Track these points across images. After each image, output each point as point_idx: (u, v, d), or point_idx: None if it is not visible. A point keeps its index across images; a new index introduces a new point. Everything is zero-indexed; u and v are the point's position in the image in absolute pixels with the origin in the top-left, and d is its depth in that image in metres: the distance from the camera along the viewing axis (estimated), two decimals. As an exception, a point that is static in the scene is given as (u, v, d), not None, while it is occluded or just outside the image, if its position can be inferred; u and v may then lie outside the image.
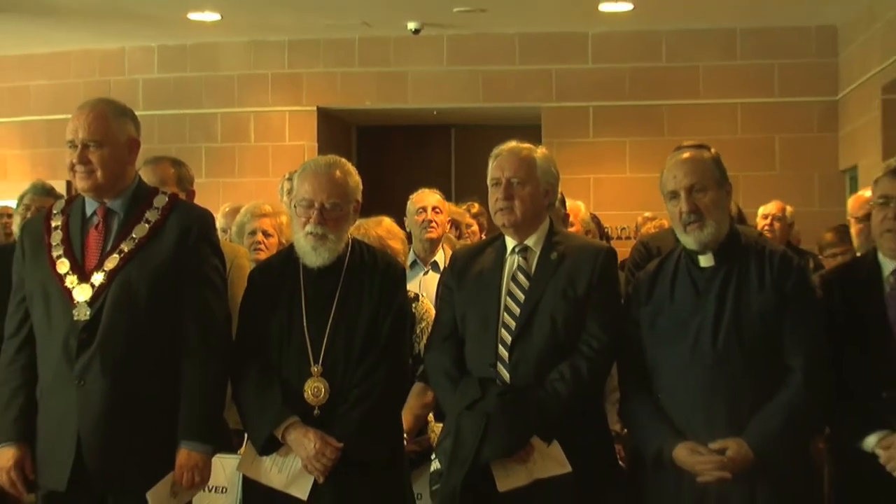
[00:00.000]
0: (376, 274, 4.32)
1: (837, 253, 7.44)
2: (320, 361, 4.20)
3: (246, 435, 4.39)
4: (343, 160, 4.41)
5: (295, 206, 4.36)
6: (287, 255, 4.43)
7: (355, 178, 4.38)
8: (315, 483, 4.14)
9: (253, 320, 4.33)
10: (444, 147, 14.54)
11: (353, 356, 4.20)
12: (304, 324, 4.25)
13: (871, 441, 4.00)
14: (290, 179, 7.87)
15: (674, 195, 4.12)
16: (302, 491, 4.16)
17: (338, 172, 4.32)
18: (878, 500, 4.02)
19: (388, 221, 5.37)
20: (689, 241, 4.11)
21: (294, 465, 4.16)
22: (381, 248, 4.76)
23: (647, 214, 10.48)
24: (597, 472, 4.19)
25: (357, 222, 4.69)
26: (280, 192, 7.98)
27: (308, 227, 4.25)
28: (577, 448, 4.11)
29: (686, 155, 4.21)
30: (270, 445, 4.18)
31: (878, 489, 3.99)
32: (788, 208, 8.94)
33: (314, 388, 4.18)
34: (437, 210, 6.90)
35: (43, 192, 6.23)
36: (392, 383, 4.27)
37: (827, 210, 11.54)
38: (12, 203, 6.65)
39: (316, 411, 4.17)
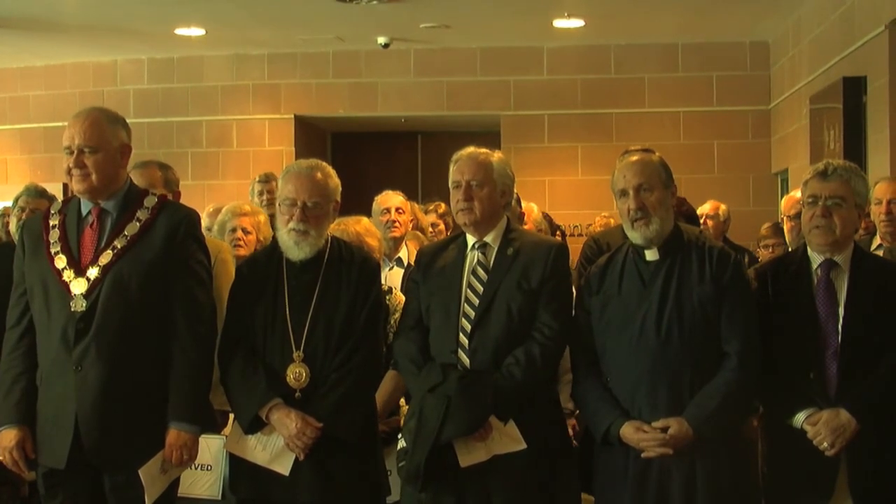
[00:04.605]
0: (353, 268, 4.34)
1: (771, 245, 7.62)
2: (301, 348, 4.22)
3: (232, 415, 4.39)
4: (324, 163, 4.43)
5: (279, 205, 4.37)
6: (271, 250, 4.43)
7: (335, 180, 4.39)
8: (296, 460, 4.16)
9: (240, 310, 4.33)
10: (412, 152, 14.56)
11: (332, 343, 4.22)
12: (287, 313, 4.26)
13: (799, 418, 4.04)
14: (260, 182, 7.90)
15: (623, 193, 4.15)
16: (284, 467, 4.17)
17: (319, 174, 4.34)
18: (806, 471, 4.07)
19: (366, 220, 5.38)
20: (635, 236, 4.14)
21: (277, 443, 4.18)
22: (358, 244, 4.77)
23: (604, 213, 10.52)
24: (550, 448, 4.22)
25: (337, 220, 4.70)
26: (251, 194, 7.98)
27: (291, 224, 4.26)
28: (532, 426, 4.13)
29: (635, 157, 4.23)
30: (255, 425, 4.19)
31: (806, 462, 4.04)
32: (722, 207, 8.97)
33: (296, 373, 4.19)
34: (400, 210, 6.88)
35: (36, 193, 6.23)
36: (367, 368, 4.29)
37: (761, 209, 11.64)
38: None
39: (297, 394, 4.18)
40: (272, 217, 6.24)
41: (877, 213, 5.76)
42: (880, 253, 5.41)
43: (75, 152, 4.04)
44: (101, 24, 11.50)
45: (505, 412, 4.10)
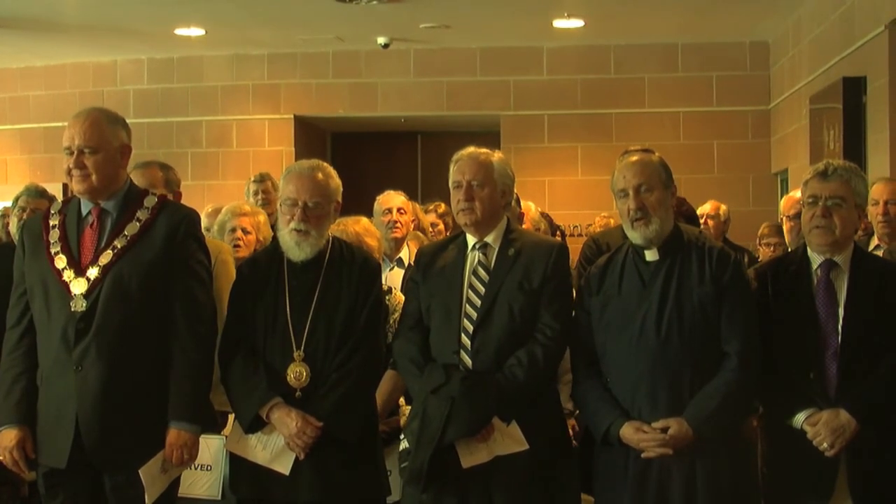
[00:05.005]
0: (354, 268, 4.34)
1: (773, 243, 7.65)
2: (302, 347, 4.23)
3: (232, 415, 4.40)
4: (325, 164, 4.44)
5: (280, 205, 4.38)
6: (272, 250, 4.44)
7: (336, 181, 4.40)
8: (296, 459, 4.17)
9: (241, 310, 4.34)
10: (412, 152, 14.56)
11: (332, 343, 4.23)
12: (288, 313, 4.26)
13: (799, 418, 4.05)
14: (254, 182, 7.92)
15: (623, 193, 4.15)
16: (284, 466, 4.18)
17: (320, 175, 4.35)
18: (806, 471, 4.07)
19: (365, 220, 5.38)
20: (635, 236, 4.14)
21: (277, 443, 4.19)
22: (358, 244, 4.78)
23: (604, 214, 10.52)
24: (551, 448, 4.22)
25: (337, 220, 4.71)
26: (246, 194, 7.99)
27: (292, 224, 4.27)
28: (533, 427, 4.14)
29: (635, 157, 4.23)
30: (256, 424, 4.20)
31: (806, 462, 4.05)
32: (722, 207, 8.96)
33: (296, 372, 4.20)
34: (402, 211, 6.88)
35: (36, 193, 6.24)
36: (368, 368, 4.30)
37: (761, 209, 11.63)
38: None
39: (298, 393, 4.19)
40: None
41: (873, 213, 5.77)
42: (879, 253, 5.41)
43: (75, 153, 4.04)
44: (101, 24, 11.50)
45: (507, 413, 4.11)
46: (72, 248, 4.08)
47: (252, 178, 8.03)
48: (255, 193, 7.88)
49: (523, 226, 6.00)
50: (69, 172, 4.07)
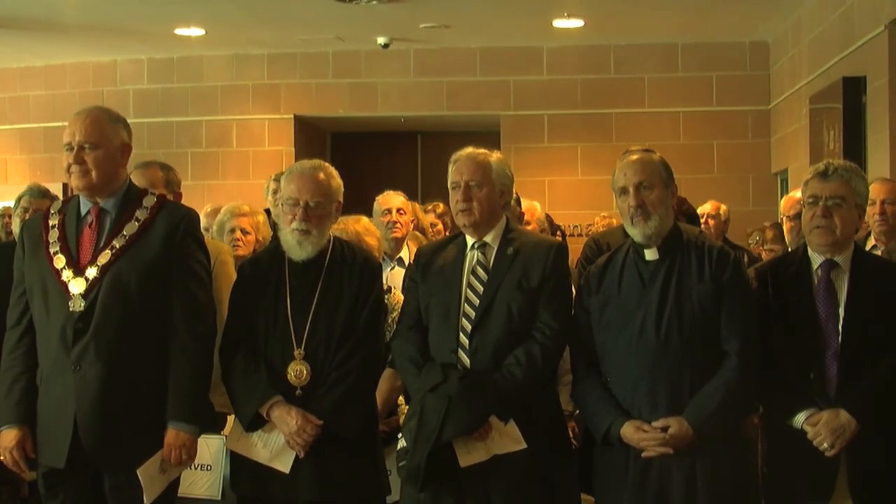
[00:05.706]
0: (355, 268, 4.35)
1: (777, 250, 7.63)
2: (303, 346, 4.23)
3: (231, 416, 4.40)
4: (326, 164, 4.45)
5: (282, 205, 4.38)
6: (274, 249, 4.45)
7: (337, 181, 4.41)
8: (296, 457, 4.17)
9: (242, 309, 4.35)
10: (411, 152, 14.56)
11: (332, 342, 4.23)
12: (289, 312, 4.27)
13: (799, 418, 4.04)
14: (275, 180, 7.89)
15: (623, 191, 4.15)
16: (284, 465, 4.19)
17: (321, 175, 4.36)
18: (806, 471, 4.07)
19: (365, 220, 5.39)
20: (635, 233, 4.13)
21: (277, 441, 4.19)
22: (358, 243, 4.78)
23: (604, 214, 10.52)
24: (550, 447, 4.22)
25: (338, 219, 4.72)
26: (266, 192, 7.98)
27: (293, 224, 4.28)
28: (532, 426, 4.13)
29: (636, 156, 4.24)
30: (256, 422, 4.21)
31: (806, 462, 4.04)
32: (723, 207, 8.96)
33: (297, 371, 4.21)
34: (402, 211, 6.88)
35: (39, 194, 6.21)
36: (367, 367, 4.30)
37: (761, 209, 11.64)
38: (12, 204, 6.61)
39: (298, 391, 4.20)
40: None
41: (870, 213, 5.75)
42: (878, 253, 5.41)
43: (75, 148, 4.04)
44: (101, 24, 11.51)
45: (505, 412, 4.10)
46: (71, 248, 4.08)
47: (272, 177, 8.02)
48: (275, 192, 7.87)
49: (529, 227, 6.00)
50: (68, 169, 4.07)
